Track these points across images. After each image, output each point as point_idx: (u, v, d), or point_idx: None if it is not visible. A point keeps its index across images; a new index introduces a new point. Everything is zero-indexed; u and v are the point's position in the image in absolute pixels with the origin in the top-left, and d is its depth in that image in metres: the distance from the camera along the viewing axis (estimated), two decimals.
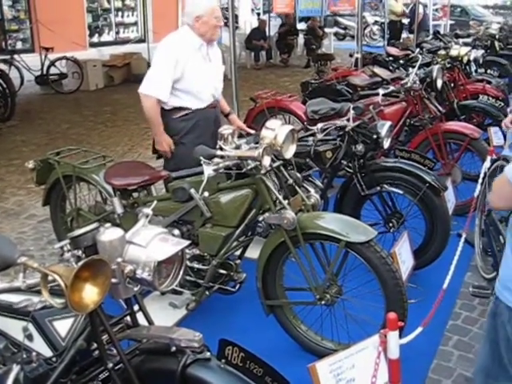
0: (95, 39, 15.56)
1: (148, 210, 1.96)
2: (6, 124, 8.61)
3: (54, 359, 1.86)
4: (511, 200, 1.87)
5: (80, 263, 1.48)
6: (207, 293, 3.16)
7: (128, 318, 1.89)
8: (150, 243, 1.58)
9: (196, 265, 3.10)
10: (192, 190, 2.97)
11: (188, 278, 3.15)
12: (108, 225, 1.67)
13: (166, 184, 3.50)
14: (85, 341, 1.77)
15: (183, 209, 3.07)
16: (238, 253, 3.28)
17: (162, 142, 3.72)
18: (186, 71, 3.60)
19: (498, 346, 1.90)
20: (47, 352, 1.88)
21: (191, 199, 3.01)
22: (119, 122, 8.75)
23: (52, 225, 4.00)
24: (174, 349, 1.63)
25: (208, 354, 1.62)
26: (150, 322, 1.85)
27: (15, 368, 1.93)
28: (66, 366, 1.78)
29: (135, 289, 1.66)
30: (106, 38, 15.89)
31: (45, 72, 11.24)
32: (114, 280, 1.59)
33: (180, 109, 3.70)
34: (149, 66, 13.36)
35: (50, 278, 1.56)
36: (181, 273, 1.66)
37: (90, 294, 1.51)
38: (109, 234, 1.63)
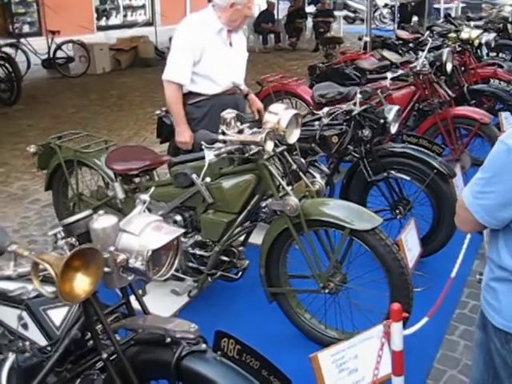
0: (103, 22, 15.44)
1: (145, 196, 1.90)
2: (12, 108, 8.59)
3: (48, 348, 1.83)
4: (475, 225, 1.67)
5: (70, 252, 1.43)
6: (209, 279, 3.12)
7: (124, 306, 1.85)
8: (143, 231, 1.52)
9: (198, 251, 3.05)
10: (194, 176, 2.91)
11: (190, 264, 3.11)
12: (101, 212, 1.61)
13: (170, 169, 3.44)
14: (79, 330, 1.73)
15: (185, 194, 3.01)
16: (241, 239, 3.23)
17: (182, 132, 3.54)
18: (203, 55, 3.47)
19: (491, 359, 1.78)
20: (42, 341, 1.84)
21: (193, 185, 2.95)
22: (125, 106, 8.70)
23: (54, 210, 3.96)
24: (168, 340, 1.59)
25: (204, 345, 1.58)
26: (146, 312, 1.80)
27: (11, 357, 1.90)
28: (60, 355, 1.74)
29: (129, 278, 1.61)
30: (113, 21, 15.77)
31: (51, 56, 11.19)
32: (106, 269, 1.54)
33: (195, 94, 3.57)
34: (156, 49, 13.08)
35: (41, 266, 1.52)
36: (176, 262, 1.61)
37: (82, 283, 1.47)
38: (102, 222, 1.58)
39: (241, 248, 3.11)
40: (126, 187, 3.32)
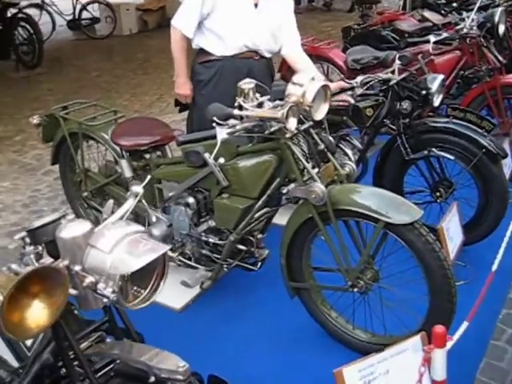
0: None
1: (138, 188, 1.58)
2: (33, 71, 8.33)
3: (20, 371, 1.54)
4: None
5: (22, 274, 1.11)
6: (225, 269, 2.80)
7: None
8: (116, 248, 1.19)
9: (212, 239, 2.73)
10: (206, 155, 2.55)
11: (204, 252, 2.80)
12: (71, 217, 1.29)
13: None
14: (51, 354, 1.43)
15: (198, 175, 2.67)
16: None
17: (183, 84, 3.31)
18: (215, 8, 3.10)
19: None
20: (14, 362, 1.56)
21: (206, 165, 2.60)
22: (150, 70, 8.34)
23: (62, 186, 3.68)
24: (152, 379, 1.27)
25: None
26: (133, 336, 1.48)
27: None
28: (30, 381, 1.45)
29: (105, 300, 1.28)
30: None
31: (76, 16, 10.86)
32: (73, 291, 1.22)
33: (205, 53, 3.24)
34: None
35: None
36: (162, 283, 1.27)
37: (38, 314, 1.14)
38: (71, 229, 1.25)
39: (260, 236, 2.76)
40: (135, 164, 3.00)
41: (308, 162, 2.41)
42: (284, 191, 2.44)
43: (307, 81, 2.31)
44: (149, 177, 1.79)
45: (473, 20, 4.31)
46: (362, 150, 3.44)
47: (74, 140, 3.27)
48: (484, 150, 3.02)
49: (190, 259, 2.86)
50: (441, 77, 3.14)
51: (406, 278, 2.37)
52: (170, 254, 2.85)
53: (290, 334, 2.76)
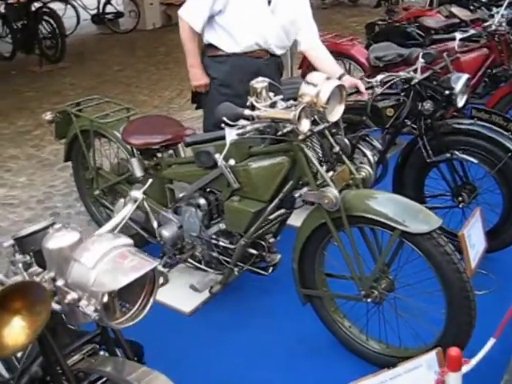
0: None
1: (138, 194, 1.50)
2: (57, 65, 8.34)
3: (11, 382, 1.49)
4: None
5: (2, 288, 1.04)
6: (236, 273, 2.72)
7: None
8: (100, 263, 1.10)
9: (222, 242, 2.65)
10: (217, 156, 2.46)
11: (214, 255, 2.72)
12: (58, 225, 1.21)
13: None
14: (40, 367, 1.37)
15: (208, 176, 2.59)
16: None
17: (198, 75, 3.22)
18: (228, 5, 3.00)
19: None
20: (5, 372, 1.50)
21: (217, 166, 2.52)
22: (171, 64, 8.29)
23: (75, 183, 3.64)
24: None
25: None
26: (127, 353, 1.40)
27: None
28: None
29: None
30: None
31: (101, 11, 10.88)
32: (56, 306, 1.14)
33: (214, 48, 3.14)
34: None
35: None
36: (151, 300, 1.19)
37: (18, 331, 1.07)
38: (57, 240, 1.18)
39: (272, 240, 2.67)
40: (147, 163, 2.94)
41: (322, 165, 2.30)
42: (296, 195, 2.34)
43: (321, 80, 2.20)
44: (150, 180, 1.70)
45: (502, 16, 4.18)
46: (382, 151, 3.32)
47: (86, 137, 3.22)
48: (510, 154, 2.89)
49: (200, 262, 2.79)
50: (465, 76, 3.00)
51: (423, 288, 2.25)
52: (178, 256, 2.79)
53: (300, 341, 2.67)
